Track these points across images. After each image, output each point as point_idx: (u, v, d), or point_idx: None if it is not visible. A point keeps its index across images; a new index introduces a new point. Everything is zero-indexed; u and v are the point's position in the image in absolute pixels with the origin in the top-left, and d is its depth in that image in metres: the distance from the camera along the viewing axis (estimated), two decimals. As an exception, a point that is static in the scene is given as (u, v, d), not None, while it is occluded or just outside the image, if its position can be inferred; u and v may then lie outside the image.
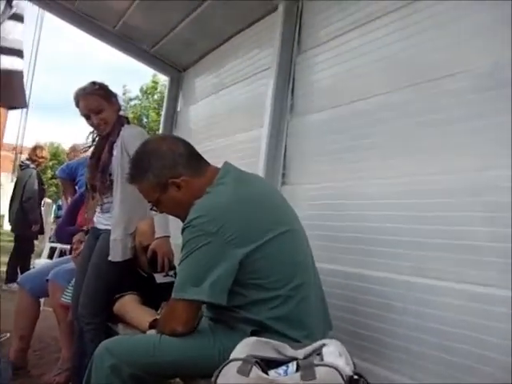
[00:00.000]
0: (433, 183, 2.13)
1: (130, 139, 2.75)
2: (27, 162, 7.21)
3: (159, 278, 2.68)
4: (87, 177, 3.00)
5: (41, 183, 7.09)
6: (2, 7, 0.89)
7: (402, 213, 2.24)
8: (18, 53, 0.88)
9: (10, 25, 0.89)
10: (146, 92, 24.81)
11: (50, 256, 5.94)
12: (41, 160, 7.14)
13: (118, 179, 2.78)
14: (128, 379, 1.74)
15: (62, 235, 3.79)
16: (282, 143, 3.19)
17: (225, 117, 4.05)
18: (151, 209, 2.14)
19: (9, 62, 0.86)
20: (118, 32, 4.59)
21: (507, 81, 1.86)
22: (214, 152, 3.71)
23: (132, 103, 25.23)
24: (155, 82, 24.09)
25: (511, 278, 1.74)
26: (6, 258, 7.02)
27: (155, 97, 24.23)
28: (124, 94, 25.20)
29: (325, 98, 2.92)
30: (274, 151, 3.19)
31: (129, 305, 2.60)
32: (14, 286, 6.34)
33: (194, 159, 2.05)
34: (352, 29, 2.73)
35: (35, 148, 7.43)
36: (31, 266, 6.24)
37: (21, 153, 18.62)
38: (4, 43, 0.86)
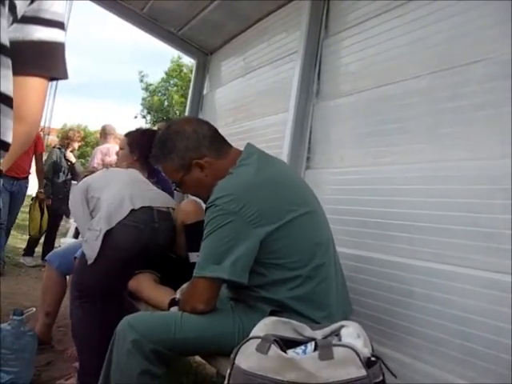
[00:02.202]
0: (455, 170, 2.12)
1: None
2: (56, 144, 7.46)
3: (193, 258, 2.69)
4: None
5: (68, 164, 7.17)
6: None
7: (424, 199, 2.23)
8: (60, 25, 0.90)
9: (51, -3, 0.91)
10: (171, 75, 24.84)
11: (76, 235, 6.02)
12: (67, 141, 7.25)
13: None
14: (149, 354, 1.76)
15: None
16: (308, 127, 3.18)
17: (251, 100, 4.04)
18: (175, 189, 2.17)
19: (51, 34, 0.88)
20: (145, 14, 4.59)
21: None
22: (239, 135, 3.72)
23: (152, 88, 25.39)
24: (179, 66, 24.09)
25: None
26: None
27: (176, 80, 24.28)
28: (141, 80, 25.39)
29: (351, 82, 2.90)
30: (299, 135, 3.18)
31: (144, 283, 2.62)
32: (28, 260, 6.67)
33: (217, 141, 2.07)
34: (379, 14, 2.70)
35: (66, 131, 7.67)
36: (57, 245, 6.32)
37: (48, 134, 18.83)
38: (46, 15, 0.88)
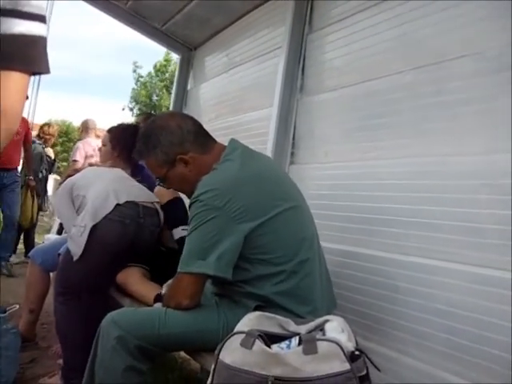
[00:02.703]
0: (440, 165, 2.13)
1: None
2: (34, 139, 7.34)
3: (177, 233, 2.69)
4: None
5: (47, 159, 7.14)
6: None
7: (409, 194, 2.24)
8: (41, 18, 0.88)
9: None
10: (159, 70, 24.81)
11: (59, 232, 5.99)
12: (47, 137, 7.21)
13: None
14: (134, 350, 1.75)
15: None
16: (292, 122, 3.18)
17: (235, 95, 4.04)
18: (159, 184, 2.17)
19: (32, 27, 0.86)
20: (129, 9, 4.57)
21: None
22: (223, 130, 3.72)
23: (143, 80, 25.36)
24: (167, 61, 24.07)
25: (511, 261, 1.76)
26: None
27: (166, 75, 24.26)
28: (134, 71, 25.33)
29: (335, 77, 2.91)
30: (283, 130, 3.18)
31: (132, 277, 2.61)
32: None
33: (201, 136, 2.07)
34: (363, 9, 2.71)
35: (43, 125, 7.57)
36: (41, 242, 6.28)
37: (31, 129, 18.67)
38: (28, 8, 0.86)
